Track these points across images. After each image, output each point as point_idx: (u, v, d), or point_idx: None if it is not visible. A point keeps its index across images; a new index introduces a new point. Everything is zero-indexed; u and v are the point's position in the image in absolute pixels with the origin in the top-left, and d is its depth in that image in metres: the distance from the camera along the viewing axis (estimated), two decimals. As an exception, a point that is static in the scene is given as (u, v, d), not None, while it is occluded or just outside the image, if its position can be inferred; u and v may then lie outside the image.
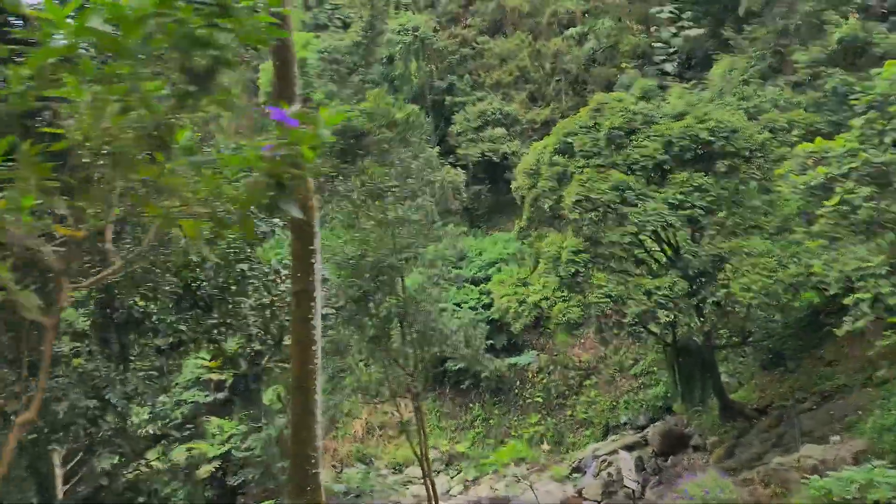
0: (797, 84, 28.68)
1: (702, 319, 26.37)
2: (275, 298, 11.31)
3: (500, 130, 45.32)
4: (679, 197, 25.09)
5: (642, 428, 36.11)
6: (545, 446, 39.96)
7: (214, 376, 20.08)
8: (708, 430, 31.94)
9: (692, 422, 33.03)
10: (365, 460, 45.14)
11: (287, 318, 11.87)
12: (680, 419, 34.24)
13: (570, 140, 28.20)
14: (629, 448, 33.63)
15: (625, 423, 37.40)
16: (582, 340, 43.14)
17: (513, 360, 41.38)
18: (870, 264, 17.66)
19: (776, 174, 23.00)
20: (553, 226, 30.47)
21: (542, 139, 46.84)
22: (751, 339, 31.92)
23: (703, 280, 25.60)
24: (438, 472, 42.38)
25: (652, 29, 49.76)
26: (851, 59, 27.02)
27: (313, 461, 6.84)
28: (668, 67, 48.90)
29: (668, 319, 24.34)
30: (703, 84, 35.62)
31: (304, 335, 6.83)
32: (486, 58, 49.15)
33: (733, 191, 25.43)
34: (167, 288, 11.47)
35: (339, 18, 55.49)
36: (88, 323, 12.18)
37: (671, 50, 49.24)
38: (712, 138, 25.34)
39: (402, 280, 19.30)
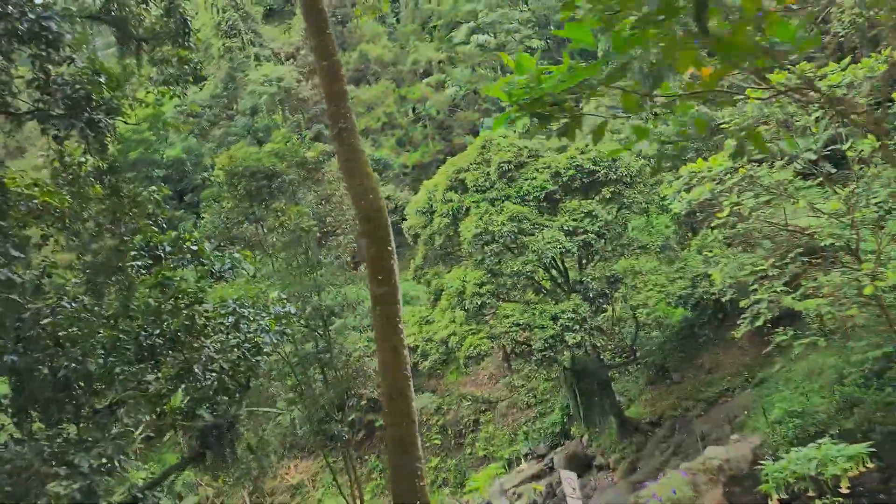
0: (656, 115, 31.37)
1: (602, 340, 27.58)
2: (244, 339, 10.44)
3: (373, 176, 45.38)
4: (572, 223, 26.34)
5: (544, 456, 36.75)
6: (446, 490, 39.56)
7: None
8: (608, 449, 33.09)
9: (592, 442, 34.10)
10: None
11: (256, 358, 11.01)
12: (579, 442, 35.23)
13: (461, 176, 28.83)
14: (536, 477, 34.13)
15: (526, 454, 37.87)
16: (473, 377, 43.55)
17: (407, 404, 40.83)
18: (762, 268, 19.36)
19: (662, 194, 24.80)
20: (446, 262, 30.81)
21: (415, 183, 47.56)
22: (637, 356, 33.81)
23: (601, 301, 26.87)
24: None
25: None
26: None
27: (419, 472, 6.40)
28: (526, 111, 51.81)
29: (575, 341, 25.17)
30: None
31: (394, 338, 6.44)
32: (353, 106, 49.45)
33: (619, 215, 27.06)
34: (104, 341, 10.34)
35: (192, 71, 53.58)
36: (9, 388, 10.66)
37: (527, 94, 52.19)
38: (596, 167, 27.01)
39: (325, 323, 18.54)
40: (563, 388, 35.24)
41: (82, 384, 9.62)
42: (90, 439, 8.80)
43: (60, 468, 8.29)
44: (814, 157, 24.27)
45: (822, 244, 17.74)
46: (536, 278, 28.28)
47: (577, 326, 25.38)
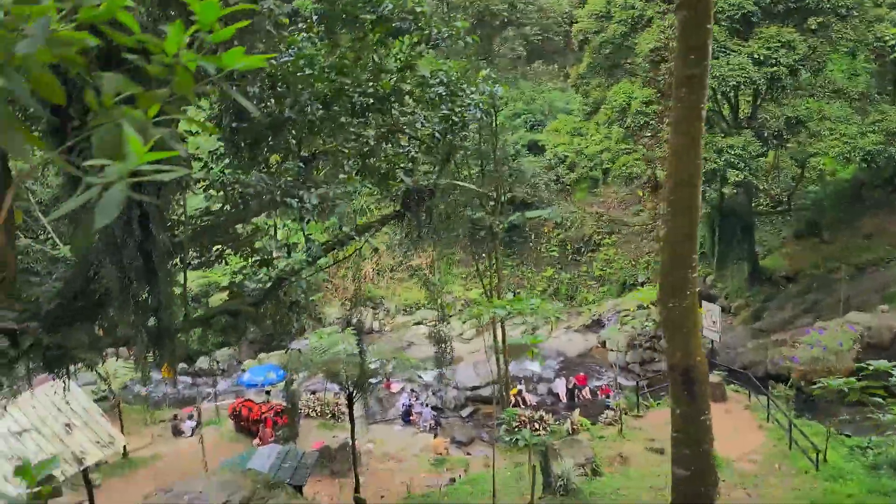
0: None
1: (765, 184, 26.04)
2: (452, 112, 10.29)
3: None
4: (764, 52, 23.78)
5: (661, 287, 36.83)
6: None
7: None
8: (734, 294, 32.63)
9: (717, 284, 33.65)
10: (375, 301, 45.80)
11: (462, 133, 10.93)
12: (703, 281, 34.81)
13: (649, -19, 26.18)
14: (655, 304, 34.44)
15: (642, 283, 37.99)
16: (602, 199, 42.93)
17: (533, 213, 40.97)
18: None
19: (881, 32, 21.79)
20: (612, 74, 29.03)
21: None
22: (791, 207, 32.04)
23: (775, 142, 24.97)
24: (452, 316, 43.31)
25: None
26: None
27: (693, 264, 6.39)
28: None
29: (737, 179, 23.84)
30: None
31: (695, 124, 6.08)
32: None
33: (820, 50, 24.14)
34: (321, 93, 10.38)
35: None
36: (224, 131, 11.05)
37: None
38: (808, -10, 23.73)
39: (494, 115, 18.15)
40: (700, 225, 34.25)
41: (306, 129, 9.85)
42: (313, 181, 9.21)
43: (293, 200, 8.81)
44: None
45: None
46: (714, 106, 26.33)
47: (743, 164, 23.88)
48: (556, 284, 41.38)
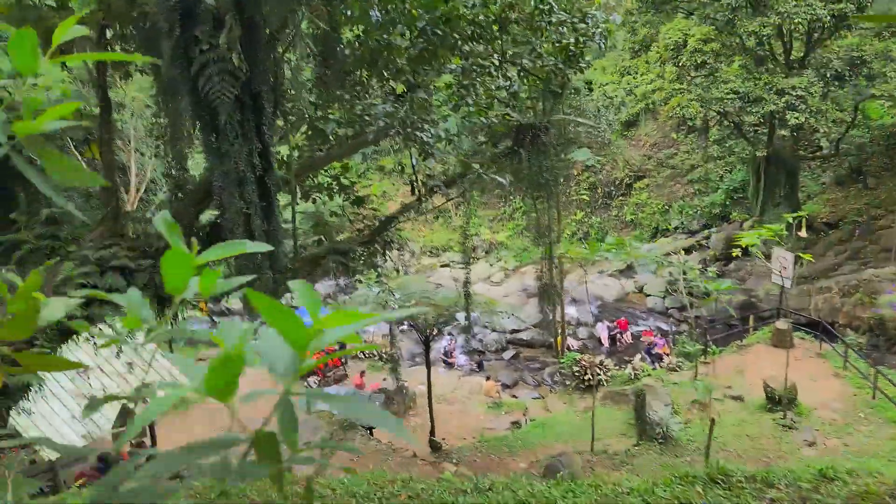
0: None
1: (826, 127, 25.23)
2: (572, 43, 9.59)
3: None
4: (832, -12, 22.75)
5: (694, 233, 36.34)
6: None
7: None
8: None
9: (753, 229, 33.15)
10: (400, 241, 45.40)
11: (579, 65, 10.26)
12: (739, 227, 34.35)
13: None
14: (687, 251, 34.08)
15: (675, 228, 37.53)
16: (634, 141, 42.00)
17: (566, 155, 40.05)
18: None
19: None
20: (661, 10, 27.85)
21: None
22: (838, 152, 31.31)
23: (836, 84, 24.11)
24: (479, 259, 43.00)
25: None
26: None
27: None
28: None
29: (797, 122, 23.12)
30: None
31: None
32: None
33: (891, -13, 23.07)
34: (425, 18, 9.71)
35: None
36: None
37: None
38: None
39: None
40: (744, 171, 33.57)
41: (405, 59, 9.22)
42: (430, 118, 8.67)
43: (422, 134, 8.30)
44: None
45: None
46: (765, 48, 25.36)
47: (803, 106, 23.12)
48: (586, 228, 40.90)
